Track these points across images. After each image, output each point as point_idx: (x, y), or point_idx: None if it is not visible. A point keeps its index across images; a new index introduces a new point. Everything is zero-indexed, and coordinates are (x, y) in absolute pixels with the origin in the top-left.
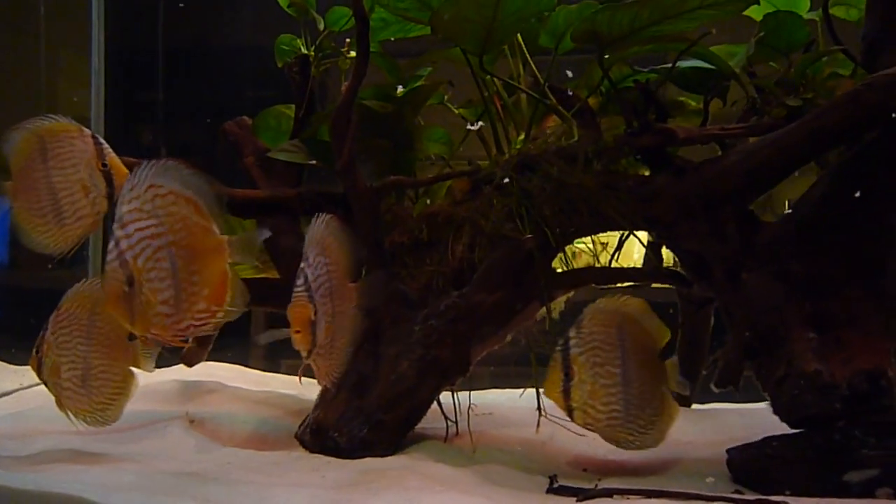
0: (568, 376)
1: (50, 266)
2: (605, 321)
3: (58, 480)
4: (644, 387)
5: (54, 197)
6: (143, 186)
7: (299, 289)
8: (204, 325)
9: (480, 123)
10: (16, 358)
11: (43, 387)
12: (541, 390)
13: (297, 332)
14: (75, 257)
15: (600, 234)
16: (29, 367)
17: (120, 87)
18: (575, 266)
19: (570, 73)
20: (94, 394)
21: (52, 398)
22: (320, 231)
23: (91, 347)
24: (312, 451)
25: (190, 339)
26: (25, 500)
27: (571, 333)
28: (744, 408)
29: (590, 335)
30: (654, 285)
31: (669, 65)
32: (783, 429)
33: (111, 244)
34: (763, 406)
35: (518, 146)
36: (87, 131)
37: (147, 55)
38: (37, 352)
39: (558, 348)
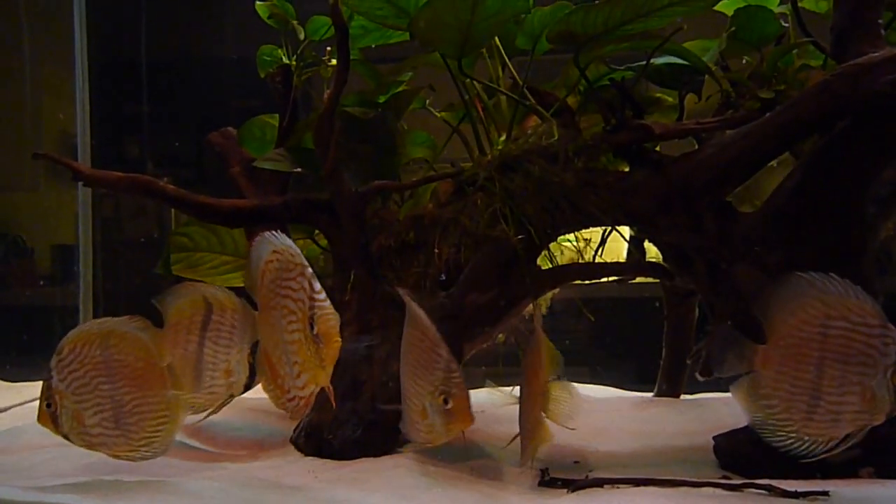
0: (50, 406)
1: (42, 283)
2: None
3: (54, 493)
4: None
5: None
6: None
7: None
8: None
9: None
10: (10, 374)
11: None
12: None
13: None
14: (66, 274)
15: (583, 231)
16: (26, 384)
17: (106, 100)
18: (560, 263)
19: None
20: (132, 431)
21: None
22: None
23: (116, 383)
24: (307, 454)
25: None
26: None
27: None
28: (730, 396)
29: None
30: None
31: (644, 62)
32: None
33: None
34: None
35: (500, 147)
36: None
37: (131, 68)
38: (48, 405)
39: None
